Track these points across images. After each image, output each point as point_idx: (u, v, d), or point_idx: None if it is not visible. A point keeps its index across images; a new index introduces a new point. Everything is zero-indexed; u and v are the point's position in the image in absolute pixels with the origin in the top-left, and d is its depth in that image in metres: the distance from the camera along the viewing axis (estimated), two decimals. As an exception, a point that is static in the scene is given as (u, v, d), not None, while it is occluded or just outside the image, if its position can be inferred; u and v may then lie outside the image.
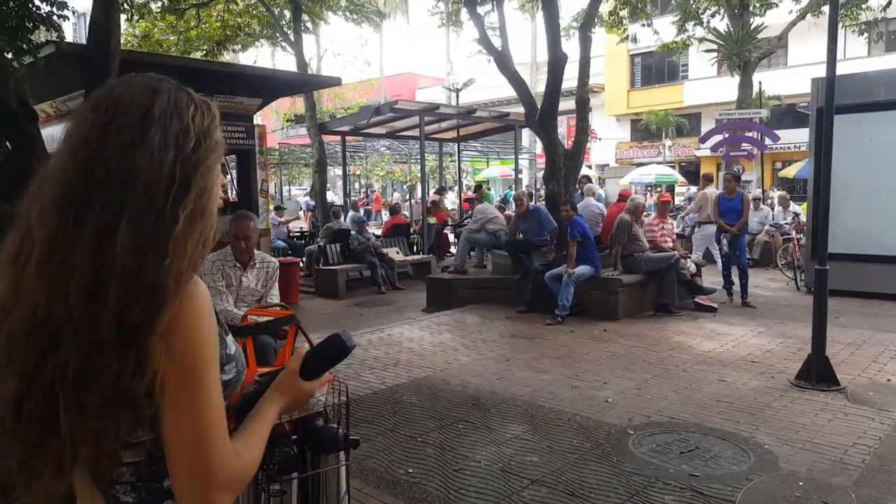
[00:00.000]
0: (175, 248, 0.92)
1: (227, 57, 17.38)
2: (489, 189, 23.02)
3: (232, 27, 15.74)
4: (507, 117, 14.44)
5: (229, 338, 1.11)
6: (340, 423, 2.22)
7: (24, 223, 0.95)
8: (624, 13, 15.41)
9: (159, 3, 13.70)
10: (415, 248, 12.94)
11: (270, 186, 12.19)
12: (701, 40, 17.51)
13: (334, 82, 12.19)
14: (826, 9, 8.03)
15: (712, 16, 16.95)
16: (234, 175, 10.81)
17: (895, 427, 4.31)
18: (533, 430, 4.38)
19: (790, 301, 8.93)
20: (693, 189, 21.07)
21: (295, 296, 9.96)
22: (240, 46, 17.75)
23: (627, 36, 16.51)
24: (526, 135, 20.48)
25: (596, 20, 12.15)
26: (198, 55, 15.49)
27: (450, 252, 13.76)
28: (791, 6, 15.99)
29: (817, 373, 5.15)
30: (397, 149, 21.24)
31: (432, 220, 13.55)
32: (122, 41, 6.79)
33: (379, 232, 14.07)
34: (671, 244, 8.64)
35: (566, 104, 11.53)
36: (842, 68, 6.15)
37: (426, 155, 15.43)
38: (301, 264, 11.23)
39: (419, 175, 16.31)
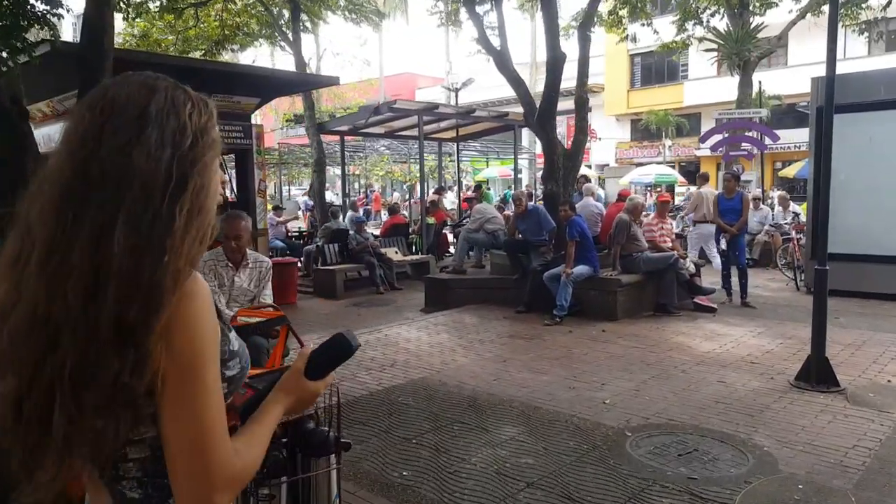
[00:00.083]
0: (172, 246, 0.92)
1: (225, 57, 17.37)
2: (489, 189, 23.00)
3: (230, 27, 15.72)
4: (507, 117, 14.43)
5: (232, 334, 1.10)
6: (332, 426, 2.19)
7: (24, 223, 0.95)
8: (623, 13, 15.36)
9: (157, 3, 13.69)
10: (413, 248, 12.90)
11: (270, 186, 12.17)
12: (701, 40, 17.48)
13: (332, 82, 12.17)
14: (826, 8, 7.99)
15: (712, 15, 16.93)
16: (233, 174, 10.79)
17: (895, 429, 4.28)
18: (529, 431, 4.34)
19: (790, 301, 8.89)
20: (693, 189, 21.03)
21: (293, 296, 9.93)
22: (238, 46, 17.72)
23: (627, 35, 16.46)
24: (525, 135, 20.44)
25: (595, 19, 12.09)
26: (196, 55, 15.44)
27: (448, 252, 13.73)
28: (791, 5, 15.97)
29: (817, 374, 5.12)
30: (396, 149, 21.20)
31: (431, 220, 13.52)
32: (120, 40, 6.78)
33: (378, 232, 14.04)
34: (670, 244, 8.61)
35: (565, 104, 11.48)
36: (842, 68, 6.13)
37: (425, 155, 15.41)
38: (299, 264, 11.20)
39: (418, 175, 16.27)
